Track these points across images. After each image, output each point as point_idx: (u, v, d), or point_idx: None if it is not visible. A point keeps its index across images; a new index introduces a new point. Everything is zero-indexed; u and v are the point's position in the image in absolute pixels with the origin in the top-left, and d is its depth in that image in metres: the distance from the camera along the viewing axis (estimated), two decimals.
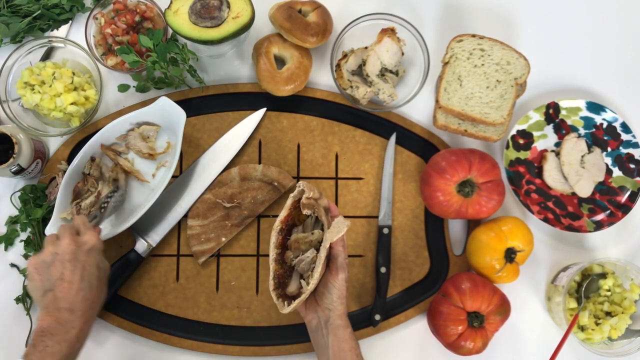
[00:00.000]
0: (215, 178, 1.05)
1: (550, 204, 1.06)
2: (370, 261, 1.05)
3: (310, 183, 1.06)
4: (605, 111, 1.06)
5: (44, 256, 0.86)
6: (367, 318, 1.04)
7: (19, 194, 1.04)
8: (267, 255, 1.04)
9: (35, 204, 1.03)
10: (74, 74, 1.01)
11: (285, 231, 0.91)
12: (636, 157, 1.06)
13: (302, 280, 0.88)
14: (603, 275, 1.01)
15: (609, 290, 1.00)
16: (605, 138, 1.07)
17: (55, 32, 1.09)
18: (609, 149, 1.07)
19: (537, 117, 1.06)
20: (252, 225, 1.06)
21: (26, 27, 1.06)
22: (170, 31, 1.05)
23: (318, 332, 0.90)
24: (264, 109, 1.07)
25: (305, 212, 0.89)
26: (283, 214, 0.90)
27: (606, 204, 1.05)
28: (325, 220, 0.88)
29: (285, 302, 0.87)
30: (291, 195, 0.90)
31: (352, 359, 0.87)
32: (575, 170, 1.05)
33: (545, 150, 1.07)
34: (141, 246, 1.02)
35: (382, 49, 1.03)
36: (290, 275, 0.91)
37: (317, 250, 0.88)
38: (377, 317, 1.02)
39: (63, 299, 0.84)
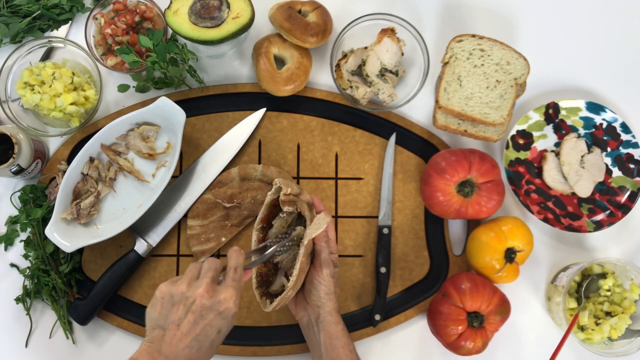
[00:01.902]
0: (215, 178, 1.05)
1: (550, 204, 1.06)
2: (370, 261, 1.05)
3: (310, 183, 1.06)
4: (605, 111, 1.06)
5: (175, 290, 0.76)
6: (367, 318, 1.04)
7: (19, 194, 1.04)
8: None
9: (35, 204, 1.03)
10: (73, 74, 1.01)
11: (266, 229, 0.91)
12: (636, 157, 1.06)
13: (284, 278, 0.87)
14: (603, 275, 1.01)
15: (609, 290, 1.00)
16: (605, 138, 1.07)
17: (55, 32, 1.09)
18: (609, 149, 1.07)
19: (536, 117, 1.06)
20: (252, 226, 1.05)
21: (26, 27, 1.06)
22: (170, 31, 1.05)
23: (309, 329, 0.90)
24: (264, 109, 1.07)
25: (287, 208, 0.88)
26: (263, 212, 0.90)
27: (606, 204, 1.05)
28: (309, 216, 0.87)
29: (268, 301, 0.86)
30: (269, 193, 0.89)
31: (345, 355, 0.87)
32: (575, 170, 1.05)
33: (545, 151, 1.07)
34: (141, 246, 1.02)
35: (381, 49, 1.03)
36: (276, 274, 0.91)
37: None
38: (377, 317, 1.02)
39: (168, 345, 0.74)
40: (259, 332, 1.03)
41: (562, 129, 1.07)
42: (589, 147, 1.07)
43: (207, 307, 0.75)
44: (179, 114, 0.99)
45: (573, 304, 1.00)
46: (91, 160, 1.02)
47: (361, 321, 1.03)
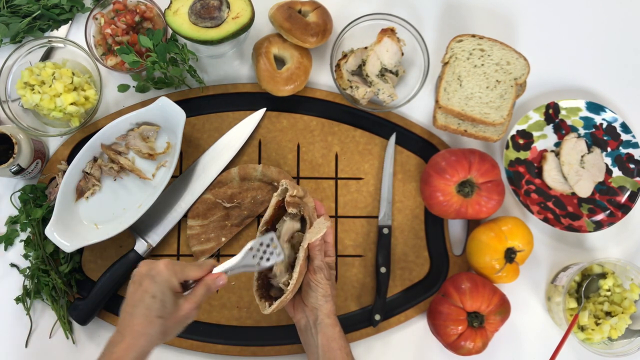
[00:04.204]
0: (215, 178, 1.05)
1: (550, 204, 1.06)
2: (370, 261, 1.05)
3: (310, 183, 1.06)
4: (605, 111, 1.06)
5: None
6: (367, 318, 1.04)
7: (19, 194, 1.04)
8: None
9: (35, 204, 1.03)
10: (73, 74, 1.01)
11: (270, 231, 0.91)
12: (636, 157, 1.06)
13: (281, 281, 0.87)
14: (603, 275, 1.01)
15: (608, 290, 1.00)
16: (605, 138, 1.07)
17: (55, 32, 1.09)
18: (609, 149, 1.07)
19: (536, 117, 1.06)
20: (252, 225, 1.06)
21: (26, 27, 1.06)
22: (170, 31, 1.05)
23: (307, 331, 0.90)
24: (264, 109, 1.07)
25: (291, 210, 0.88)
26: (268, 213, 0.90)
27: (606, 204, 1.05)
28: (310, 220, 0.88)
29: (267, 303, 0.87)
30: (275, 194, 0.89)
31: (342, 357, 0.87)
32: (575, 170, 1.05)
33: (545, 151, 1.07)
34: (141, 246, 1.02)
35: (381, 49, 1.03)
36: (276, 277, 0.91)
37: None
38: (377, 317, 1.02)
39: (121, 318, 0.81)
40: (259, 332, 1.03)
41: (562, 129, 1.07)
42: (589, 147, 1.07)
43: (144, 274, 0.81)
44: (179, 114, 0.99)
45: (573, 304, 1.00)
46: (94, 159, 1.02)
47: (361, 321, 1.03)
